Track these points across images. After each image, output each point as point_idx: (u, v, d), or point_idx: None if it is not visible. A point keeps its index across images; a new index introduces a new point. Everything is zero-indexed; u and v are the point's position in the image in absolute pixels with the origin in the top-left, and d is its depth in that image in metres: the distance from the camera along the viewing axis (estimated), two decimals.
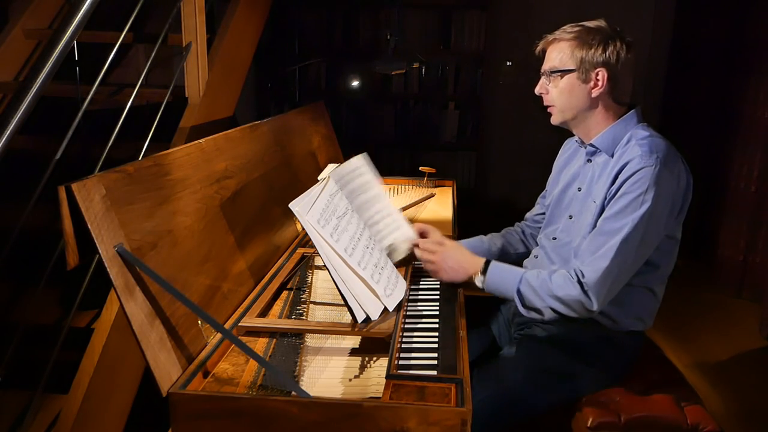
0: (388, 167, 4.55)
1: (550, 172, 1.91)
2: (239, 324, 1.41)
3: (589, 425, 1.56)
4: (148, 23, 2.69)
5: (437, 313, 1.53)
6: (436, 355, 1.31)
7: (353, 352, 1.40)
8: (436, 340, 1.38)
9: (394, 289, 1.51)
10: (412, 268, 1.77)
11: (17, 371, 1.69)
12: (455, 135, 4.62)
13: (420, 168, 2.77)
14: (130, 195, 1.20)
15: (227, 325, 1.40)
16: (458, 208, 2.47)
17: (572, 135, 1.78)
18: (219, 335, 1.31)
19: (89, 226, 1.08)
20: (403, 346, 1.35)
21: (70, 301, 1.81)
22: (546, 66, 1.64)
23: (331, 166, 1.62)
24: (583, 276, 1.49)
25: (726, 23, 3.87)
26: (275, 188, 1.90)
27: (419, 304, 1.58)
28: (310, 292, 1.65)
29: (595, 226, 1.55)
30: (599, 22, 1.60)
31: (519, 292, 1.56)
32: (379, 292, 1.45)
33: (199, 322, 1.29)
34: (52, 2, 2.70)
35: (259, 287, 1.60)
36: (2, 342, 1.67)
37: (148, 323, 1.15)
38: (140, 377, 1.98)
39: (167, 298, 1.21)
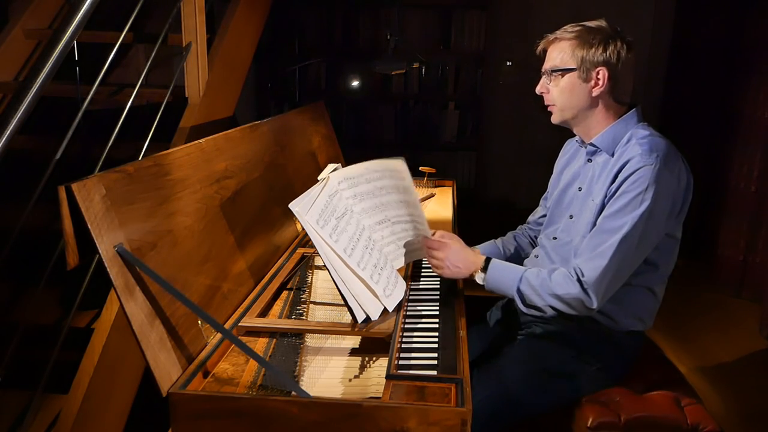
0: None
1: (551, 172, 1.91)
2: (239, 324, 1.41)
3: (589, 425, 1.56)
4: (148, 23, 2.69)
5: (437, 313, 1.53)
6: (436, 355, 1.31)
7: (353, 352, 1.40)
8: (436, 340, 1.38)
9: (393, 289, 1.51)
10: (412, 268, 1.77)
11: (17, 371, 1.69)
12: (455, 135, 4.62)
13: (420, 168, 2.77)
14: (130, 195, 1.20)
15: (227, 325, 1.40)
16: (458, 208, 2.47)
17: (573, 135, 1.78)
18: (219, 335, 1.31)
19: (89, 226, 1.08)
20: (403, 346, 1.35)
21: (70, 301, 1.81)
22: (547, 65, 1.64)
23: (331, 166, 1.61)
24: (582, 274, 1.50)
25: (726, 23, 3.87)
26: (275, 188, 1.90)
27: (419, 304, 1.58)
28: (310, 292, 1.65)
29: (594, 224, 1.56)
30: (600, 22, 1.60)
31: (519, 290, 1.57)
32: (378, 292, 1.45)
33: (199, 322, 1.29)
34: (52, 2, 2.70)
35: (259, 287, 1.60)
36: (2, 342, 1.67)
37: (148, 323, 1.15)
38: (140, 377, 1.98)
39: (167, 298, 1.21)
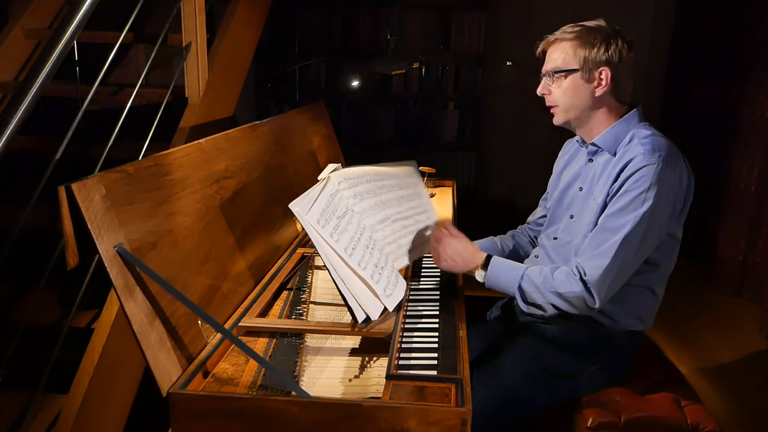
0: None
1: (550, 172, 1.91)
2: (239, 324, 1.41)
3: (589, 425, 1.56)
4: (148, 23, 2.69)
5: (437, 313, 1.52)
6: (436, 355, 1.31)
7: (353, 352, 1.40)
8: (436, 340, 1.38)
9: (394, 289, 1.51)
10: (412, 268, 1.77)
11: (17, 371, 1.69)
12: (455, 135, 4.62)
13: (420, 168, 2.76)
14: (130, 195, 1.20)
15: (227, 325, 1.40)
16: (458, 208, 2.47)
17: (572, 135, 1.78)
18: (219, 335, 1.31)
19: (89, 226, 1.08)
20: (403, 346, 1.35)
21: (70, 301, 1.81)
22: (548, 66, 1.63)
23: (331, 166, 1.62)
24: (585, 273, 1.49)
25: (726, 23, 3.87)
26: (275, 188, 1.90)
27: (419, 304, 1.58)
28: (310, 292, 1.65)
29: (596, 224, 1.55)
30: (598, 22, 1.60)
31: (521, 288, 1.56)
32: (378, 292, 1.45)
33: (199, 322, 1.29)
34: (52, 2, 2.70)
35: (259, 287, 1.60)
36: (2, 342, 1.67)
37: (148, 323, 1.15)
38: (140, 377, 1.98)
39: (167, 298, 1.21)
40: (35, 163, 1.87)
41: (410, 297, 1.62)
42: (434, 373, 1.23)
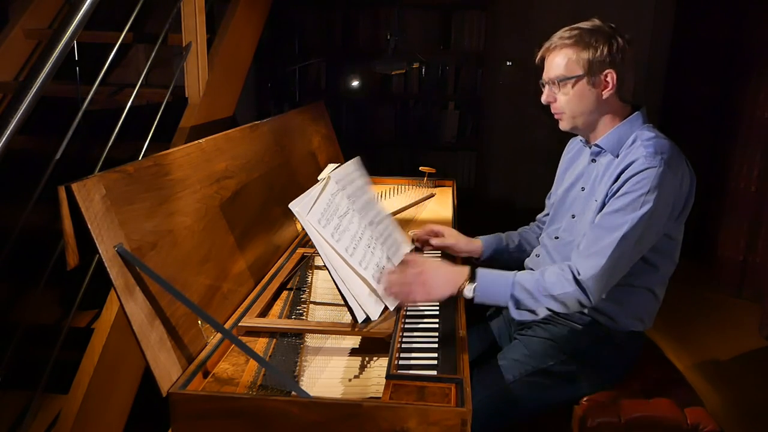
0: (388, 167, 4.57)
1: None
2: (239, 324, 1.41)
3: (589, 425, 1.56)
4: (148, 23, 2.69)
5: (437, 313, 1.52)
6: (436, 355, 1.31)
7: (353, 352, 1.40)
8: (436, 340, 1.38)
9: None
10: None
11: (17, 371, 1.69)
12: (455, 135, 4.61)
13: (420, 168, 2.77)
14: (130, 195, 1.20)
15: (227, 325, 1.40)
16: (458, 208, 2.47)
17: (574, 135, 1.78)
18: (219, 335, 1.31)
19: (89, 226, 1.08)
20: (403, 346, 1.35)
21: (70, 301, 1.81)
22: (551, 74, 1.60)
23: (331, 166, 1.62)
24: (578, 273, 1.48)
25: (726, 23, 3.87)
26: (275, 188, 1.90)
27: (419, 304, 1.58)
28: (310, 292, 1.65)
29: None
30: (593, 22, 1.57)
31: (513, 296, 1.50)
32: (380, 291, 1.45)
33: (199, 322, 1.29)
34: (52, 2, 2.70)
35: (259, 287, 1.60)
36: (2, 342, 1.67)
37: (148, 323, 1.15)
38: (140, 377, 1.97)
39: (167, 298, 1.21)
40: (35, 163, 1.87)
41: None
42: (434, 373, 1.23)
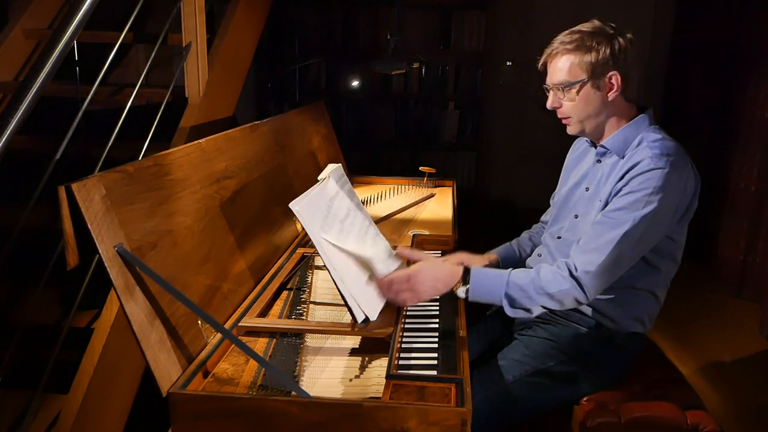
0: (388, 167, 4.57)
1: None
2: (239, 324, 1.41)
3: (589, 425, 1.56)
4: (148, 23, 2.69)
5: (437, 313, 1.53)
6: (436, 355, 1.31)
7: (353, 352, 1.40)
8: (436, 340, 1.38)
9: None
10: None
11: (17, 371, 1.69)
12: (455, 135, 4.61)
13: (420, 168, 2.77)
14: (130, 195, 1.20)
15: (227, 325, 1.40)
16: (458, 208, 2.47)
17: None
18: (219, 335, 1.31)
19: (89, 226, 1.08)
20: (403, 346, 1.35)
21: (70, 301, 1.81)
22: (555, 80, 1.58)
23: (331, 166, 1.62)
24: (576, 269, 1.48)
25: (726, 23, 3.87)
26: (275, 188, 1.90)
27: (419, 304, 1.58)
28: (310, 292, 1.65)
29: None
30: (594, 24, 1.56)
31: (507, 295, 1.50)
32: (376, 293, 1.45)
33: (199, 322, 1.29)
34: (52, 2, 2.70)
35: (259, 287, 1.60)
36: (2, 342, 1.67)
37: (148, 323, 1.15)
38: (140, 377, 1.97)
39: (167, 298, 1.21)
40: (35, 163, 1.87)
41: None
42: (434, 373, 1.23)
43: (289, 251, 1.88)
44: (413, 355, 1.31)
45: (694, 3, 4.15)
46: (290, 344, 1.38)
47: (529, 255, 1.90)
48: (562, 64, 1.56)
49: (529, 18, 4.43)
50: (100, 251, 1.09)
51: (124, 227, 1.16)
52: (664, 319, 1.69)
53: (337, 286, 1.38)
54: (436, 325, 1.45)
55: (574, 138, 1.86)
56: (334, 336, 1.44)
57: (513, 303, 1.51)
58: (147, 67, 2.16)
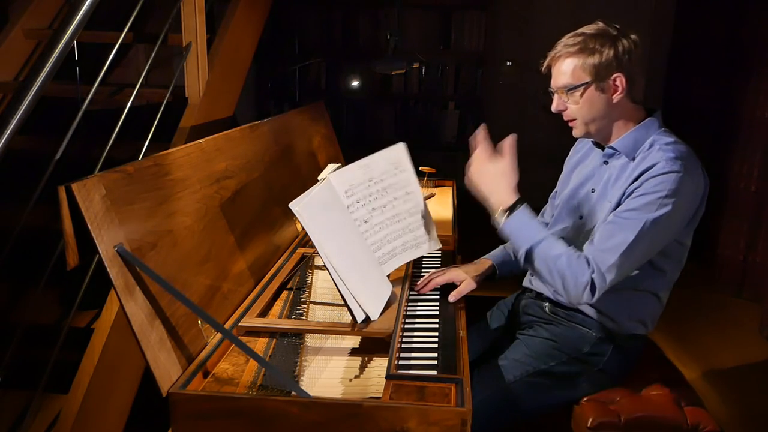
0: None
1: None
2: (239, 324, 1.41)
3: (589, 425, 1.56)
4: (148, 23, 2.69)
5: (437, 313, 1.53)
6: (436, 355, 1.31)
7: (353, 352, 1.40)
8: (436, 340, 1.38)
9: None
10: (412, 267, 1.77)
11: (17, 371, 1.69)
12: (455, 135, 4.62)
13: (420, 168, 2.76)
14: (130, 195, 1.20)
15: (227, 325, 1.40)
16: (458, 208, 2.47)
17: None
18: (219, 335, 1.31)
19: (89, 226, 1.08)
20: (403, 346, 1.35)
21: (70, 301, 1.81)
22: (558, 83, 1.58)
23: (331, 166, 1.62)
24: (594, 269, 1.47)
25: (726, 23, 3.87)
26: (275, 188, 1.90)
27: (419, 303, 1.58)
28: (310, 292, 1.65)
29: None
30: (597, 25, 1.56)
31: (531, 250, 1.50)
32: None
33: (199, 322, 1.29)
34: (52, 2, 2.70)
35: (259, 287, 1.60)
36: (2, 342, 1.67)
37: (148, 323, 1.15)
38: (140, 377, 1.98)
39: (167, 298, 1.21)
40: (35, 163, 1.87)
41: (410, 297, 1.62)
42: (434, 373, 1.23)
43: (289, 251, 1.88)
44: (413, 355, 1.31)
45: (694, 3, 4.15)
46: (290, 344, 1.38)
47: None
48: (565, 67, 1.55)
49: (529, 18, 4.43)
50: (100, 251, 1.09)
51: (124, 227, 1.16)
52: (664, 319, 1.69)
53: (337, 286, 1.38)
54: (436, 325, 1.45)
55: (574, 138, 1.85)
56: (334, 336, 1.44)
57: (531, 260, 1.51)
58: (147, 67, 2.16)
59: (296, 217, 1.36)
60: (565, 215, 1.73)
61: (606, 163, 1.64)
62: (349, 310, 1.39)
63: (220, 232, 1.50)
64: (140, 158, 1.89)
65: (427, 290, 1.65)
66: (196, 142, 1.53)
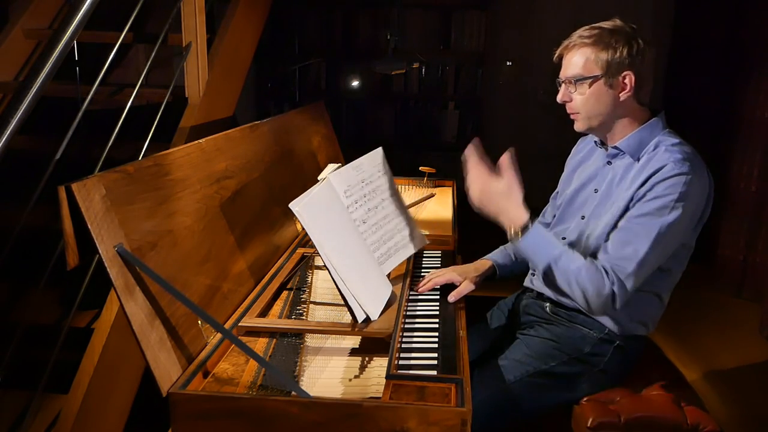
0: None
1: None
2: (239, 324, 1.41)
3: (589, 425, 1.56)
4: (148, 23, 2.69)
5: (437, 313, 1.53)
6: (436, 355, 1.31)
7: (353, 352, 1.40)
8: (436, 340, 1.38)
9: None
10: (412, 266, 1.77)
11: (17, 371, 1.69)
12: (455, 135, 4.62)
13: (420, 168, 2.77)
14: (130, 195, 1.20)
15: (227, 325, 1.40)
16: (458, 208, 2.47)
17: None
18: (219, 335, 1.31)
19: (89, 226, 1.08)
20: (403, 346, 1.35)
21: (70, 301, 1.81)
22: (568, 73, 1.57)
23: (331, 166, 1.62)
24: (615, 280, 1.46)
25: (726, 23, 3.87)
26: (275, 188, 1.90)
27: (419, 303, 1.58)
28: (310, 292, 1.65)
29: (614, 227, 1.52)
30: (615, 22, 1.55)
31: (549, 268, 1.49)
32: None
33: (199, 322, 1.29)
34: (52, 2, 2.70)
35: (259, 287, 1.60)
36: (2, 342, 1.67)
37: (148, 323, 1.15)
38: (140, 377, 1.98)
39: (167, 298, 1.21)
40: (35, 163, 1.87)
41: (410, 297, 1.62)
42: (434, 373, 1.23)
43: (289, 251, 1.88)
44: (413, 355, 1.31)
45: (694, 3, 4.15)
46: (290, 344, 1.38)
47: (522, 258, 1.88)
48: (577, 58, 1.54)
49: (529, 18, 4.43)
50: (100, 251, 1.09)
51: (124, 227, 1.16)
52: (664, 320, 1.69)
53: (337, 286, 1.38)
54: (436, 325, 1.45)
55: (575, 138, 1.85)
56: (334, 336, 1.44)
57: (549, 278, 1.50)
58: (147, 67, 2.16)
59: (296, 217, 1.36)
60: (568, 215, 1.73)
61: (609, 163, 1.64)
62: (350, 310, 1.39)
63: (220, 232, 1.50)
64: (140, 158, 1.89)
65: (427, 290, 1.65)
66: (196, 142, 1.53)
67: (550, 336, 1.67)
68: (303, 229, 1.49)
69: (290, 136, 2.24)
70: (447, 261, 1.88)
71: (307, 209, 1.38)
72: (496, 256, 1.88)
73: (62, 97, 2.35)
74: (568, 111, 1.61)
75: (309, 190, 1.44)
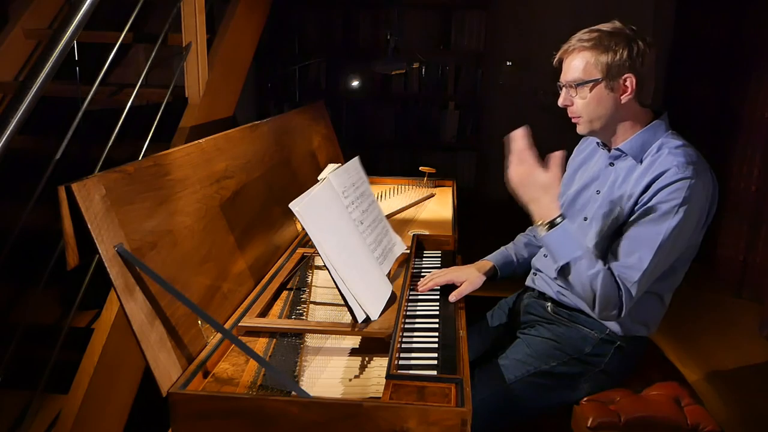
0: (388, 167, 4.57)
1: None
2: (239, 324, 1.41)
3: (589, 425, 1.56)
4: (148, 23, 2.69)
5: (437, 313, 1.53)
6: (436, 355, 1.31)
7: (353, 352, 1.40)
8: (436, 340, 1.38)
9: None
10: (412, 268, 1.77)
11: (17, 371, 1.69)
12: (455, 135, 4.62)
13: (420, 168, 2.77)
14: (130, 195, 1.20)
15: (227, 325, 1.40)
16: (458, 208, 2.46)
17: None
18: (219, 335, 1.31)
19: (89, 226, 1.08)
20: (403, 346, 1.35)
21: (70, 301, 1.81)
22: (568, 77, 1.56)
23: (331, 166, 1.62)
24: (624, 288, 1.46)
25: (726, 23, 3.87)
26: (275, 188, 1.90)
27: (419, 303, 1.58)
28: (310, 292, 1.65)
29: (618, 230, 1.53)
30: (614, 24, 1.54)
31: (567, 265, 1.46)
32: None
33: (199, 322, 1.29)
34: (52, 2, 2.70)
35: (259, 287, 1.60)
36: (2, 342, 1.67)
37: (148, 323, 1.15)
38: (140, 377, 1.98)
39: (167, 298, 1.21)
40: (35, 163, 1.87)
41: (410, 297, 1.62)
42: (434, 373, 1.23)
43: (289, 251, 1.88)
44: (413, 355, 1.31)
45: (694, 3, 4.15)
46: (290, 344, 1.38)
47: (526, 258, 1.88)
48: (577, 62, 1.54)
49: (529, 18, 4.43)
50: (100, 251, 1.09)
51: (124, 227, 1.16)
52: (664, 320, 1.69)
53: (337, 286, 1.38)
54: (436, 325, 1.45)
55: (575, 139, 1.84)
56: (334, 336, 1.44)
57: (565, 273, 1.48)
58: (147, 67, 2.16)
59: (296, 217, 1.36)
60: (570, 216, 1.71)
61: (612, 164, 1.63)
62: (350, 309, 1.39)
63: (220, 232, 1.50)
64: (140, 158, 1.89)
65: (427, 290, 1.65)
66: (196, 142, 1.53)
67: (551, 336, 1.67)
68: (303, 229, 1.48)
69: (290, 136, 2.24)
70: (447, 261, 1.88)
71: (307, 209, 1.38)
72: (497, 256, 1.87)
73: (62, 97, 2.35)
74: (570, 115, 1.61)
75: (309, 190, 1.44)
